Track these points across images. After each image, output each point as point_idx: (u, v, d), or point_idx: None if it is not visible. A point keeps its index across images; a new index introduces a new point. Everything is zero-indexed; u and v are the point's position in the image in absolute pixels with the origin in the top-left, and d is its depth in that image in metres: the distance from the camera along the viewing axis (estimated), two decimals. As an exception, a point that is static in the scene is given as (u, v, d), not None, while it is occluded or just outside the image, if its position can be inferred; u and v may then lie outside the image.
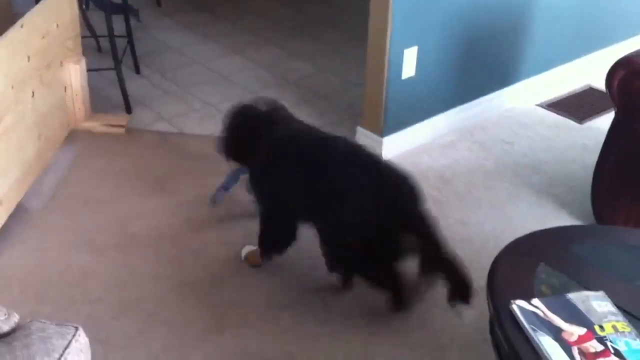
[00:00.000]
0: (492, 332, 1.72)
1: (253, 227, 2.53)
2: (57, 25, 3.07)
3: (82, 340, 1.51)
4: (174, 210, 2.85)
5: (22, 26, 2.70)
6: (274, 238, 2.49)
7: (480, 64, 3.46)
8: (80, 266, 2.54)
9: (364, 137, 3.28)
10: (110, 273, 2.52)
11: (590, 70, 3.95)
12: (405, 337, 2.29)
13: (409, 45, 3.08)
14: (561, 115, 3.68)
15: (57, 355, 1.43)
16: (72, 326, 1.52)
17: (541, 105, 3.76)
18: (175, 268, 2.55)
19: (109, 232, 2.72)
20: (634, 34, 4.18)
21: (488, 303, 1.71)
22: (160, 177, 3.07)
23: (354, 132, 3.34)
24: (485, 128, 3.52)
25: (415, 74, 3.16)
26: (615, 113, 2.67)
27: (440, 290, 2.26)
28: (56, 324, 1.52)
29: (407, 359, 2.22)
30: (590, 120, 3.62)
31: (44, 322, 1.52)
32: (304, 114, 3.47)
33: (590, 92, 3.91)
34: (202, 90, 3.85)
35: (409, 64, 3.13)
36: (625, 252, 1.88)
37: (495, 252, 1.86)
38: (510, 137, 3.47)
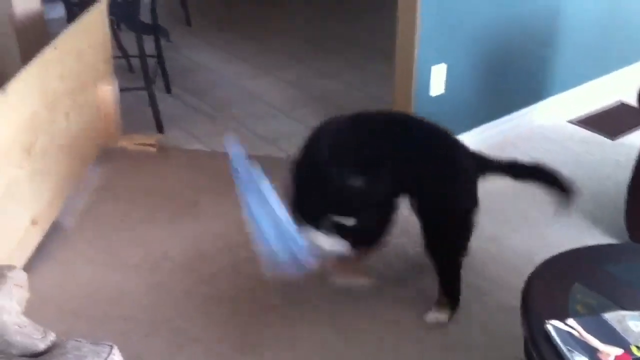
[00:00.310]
0: (527, 352, 1.71)
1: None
2: (90, 46, 3.12)
3: (116, 358, 1.53)
4: (206, 229, 2.87)
5: (55, 48, 2.75)
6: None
7: (509, 80, 3.45)
8: (113, 284, 2.57)
9: (393, 154, 3.28)
10: (143, 291, 2.54)
11: (622, 86, 3.91)
12: (441, 357, 2.28)
13: (437, 62, 3.08)
14: (592, 131, 3.64)
15: (93, 374, 1.44)
16: (107, 344, 1.54)
17: (572, 122, 3.73)
18: (207, 287, 2.57)
19: (141, 251, 2.75)
20: (665, 49, 4.13)
21: (522, 323, 1.70)
22: (192, 196, 3.10)
23: (383, 149, 3.33)
24: (516, 144, 3.50)
25: (445, 91, 3.16)
26: (649, 129, 2.64)
27: (469, 309, 2.24)
28: (91, 343, 1.53)
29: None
30: (622, 136, 3.58)
31: (80, 341, 1.54)
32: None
33: (621, 107, 3.87)
34: (232, 108, 3.89)
35: (438, 80, 3.13)
36: (661, 271, 1.85)
37: (528, 271, 1.85)
38: (541, 153, 3.44)
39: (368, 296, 2.50)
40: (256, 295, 2.52)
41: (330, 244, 2.21)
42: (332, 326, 2.39)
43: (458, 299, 2.41)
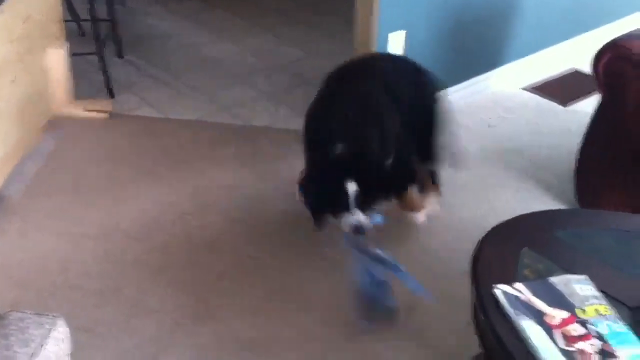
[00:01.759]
0: (475, 316, 1.72)
1: (237, 212, 2.52)
2: (39, 9, 3.03)
3: (61, 329, 1.49)
4: (158, 198, 2.83)
5: (2, 12, 2.66)
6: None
7: (466, 47, 3.45)
8: (62, 254, 2.52)
9: (349, 121, 3.27)
10: (93, 261, 2.50)
11: (576, 54, 3.95)
12: (390, 321, 2.29)
13: (396, 29, 3.06)
14: (546, 98, 3.67)
15: (35, 345, 1.41)
16: (52, 315, 1.51)
17: (526, 89, 3.75)
18: (159, 255, 2.54)
19: (92, 220, 2.70)
20: (620, 17, 4.17)
21: (471, 288, 1.71)
22: (145, 163, 3.05)
23: (339, 116, 3.32)
24: (471, 111, 3.51)
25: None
26: (600, 97, 2.67)
27: (421, 275, 2.25)
28: (35, 314, 1.50)
29: (390, 345, 2.22)
30: (574, 103, 3.62)
31: (24, 312, 1.50)
32: (293, 99, 3.47)
33: (575, 75, 3.90)
34: (188, 75, 3.81)
35: (396, 47, 3.11)
36: (608, 237, 1.88)
37: (479, 236, 1.86)
38: (495, 120, 3.47)
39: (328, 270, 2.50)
40: (209, 264, 2.51)
41: (372, 219, 2.28)
42: (286, 291, 2.39)
43: None
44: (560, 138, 3.32)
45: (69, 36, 3.46)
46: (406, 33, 3.10)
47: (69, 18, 3.94)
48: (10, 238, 2.59)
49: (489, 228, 1.89)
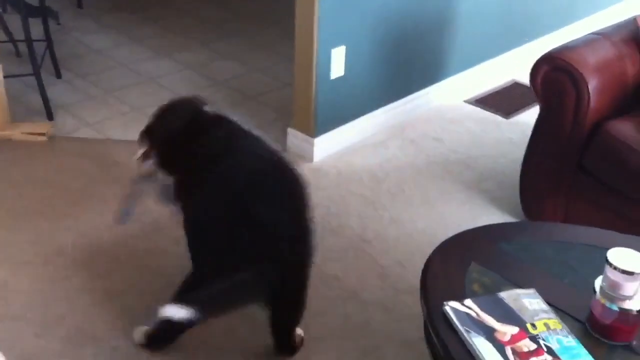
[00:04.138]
0: (427, 333, 1.72)
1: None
2: (-30, 30, 2.93)
3: (0, 364, 1.44)
4: (100, 221, 2.76)
5: None
6: None
7: (407, 62, 3.47)
8: (1, 282, 2.43)
9: (294, 138, 3.25)
10: (34, 289, 2.41)
11: (515, 65, 4.02)
12: (343, 338, 2.27)
13: (337, 45, 3.06)
14: (488, 110, 3.73)
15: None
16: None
17: (468, 102, 3.80)
18: (102, 281, 2.46)
19: (33, 246, 2.61)
20: (556, 28, 4.27)
21: (421, 304, 1.70)
22: (86, 186, 2.97)
23: (285, 133, 3.30)
24: (415, 126, 3.54)
25: (345, 73, 3.15)
26: (540, 108, 2.71)
27: (373, 291, 2.24)
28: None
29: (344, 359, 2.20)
30: (516, 114, 3.68)
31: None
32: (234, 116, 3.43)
33: (515, 87, 3.97)
34: (128, 94, 3.75)
35: (338, 63, 3.11)
36: (553, 248, 1.90)
37: (429, 251, 1.86)
38: (439, 133, 3.50)
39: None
40: (153, 289, 2.44)
41: None
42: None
43: None
44: (504, 149, 3.37)
45: (5, 57, 3.37)
46: (346, 49, 3.11)
47: (4, 39, 3.84)
48: (-55, 268, 2.49)
49: (437, 242, 1.89)
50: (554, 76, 2.58)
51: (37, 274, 2.48)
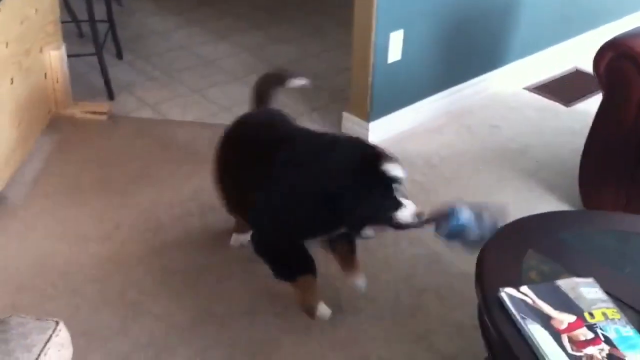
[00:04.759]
0: (481, 320, 1.70)
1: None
2: (36, 10, 3.00)
3: (63, 334, 1.48)
4: (158, 199, 2.81)
5: (-1, 12, 2.64)
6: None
7: (467, 47, 3.43)
8: (62, 257, 2.50)
9: (350, 122, 3.25)
10: (93, 264, 2.48)
11: (578, 53, 3.93)
12: (395, 323, 2.27)
13: (395, 29, 3.04)
14: (548, 98, 3.66)
15: (37, 351, 1.39)
16: (53, 320, 1.49)
17: (528, 89, 3.74)
18: (159, 258, 2.52)
19: (91, 222, 2.68)
20: (621, 16, 4.16)
21: (476, 290, 1.69)
22: (144, 165, 3.03)
23: (340, 117, 3.30)
24: (473, 112, 3.49)
25: (402, 57, 3.13)
26: (602, 96, 2.65)
27: (425, 277, 2.22)
28: (36, 319, 1.48)
29: (396, 345, 2.20)
30: (577, 103, 3.61)
31: (24, 317, 1.48)
32: (290, 100, 3.44)
33: (577, 74, 3.89)
34: (186, 75, 3.80)
35: (395, 47, 3.09)
36: (613, 238, 1.86)
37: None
38: (497, 120, 3.45)
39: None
40: (211, 265, 2.48)
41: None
42: (287, 292, 2.37)
43: None
44: (563, 138, 3.30)
45: (68, 37, 3.44)
46: (404, 32, 3.08)
47: (67, 19, 3.92)
48: (10, 240, 2.57)
49: (494, 230, 1.87)
50: (618, 64, 2.51)
51: (96, 250, 2.54)
